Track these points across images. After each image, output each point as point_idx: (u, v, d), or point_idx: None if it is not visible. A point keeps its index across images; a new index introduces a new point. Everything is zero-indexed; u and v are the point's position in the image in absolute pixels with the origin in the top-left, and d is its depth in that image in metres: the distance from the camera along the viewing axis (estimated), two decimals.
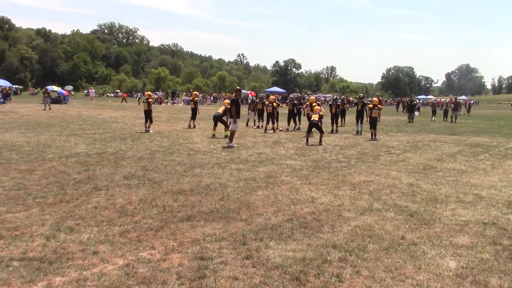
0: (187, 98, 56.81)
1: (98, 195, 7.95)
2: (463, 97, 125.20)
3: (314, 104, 19.96)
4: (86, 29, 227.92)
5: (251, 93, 66.06)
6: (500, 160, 14.15)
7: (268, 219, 6.77)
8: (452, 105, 36.26)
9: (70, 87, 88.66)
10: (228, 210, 7.20)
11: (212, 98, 77.86)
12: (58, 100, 47.37)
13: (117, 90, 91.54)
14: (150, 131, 19.55)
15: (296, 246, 5.62)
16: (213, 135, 18.65)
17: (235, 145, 15.43)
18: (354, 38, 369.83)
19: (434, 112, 37.93)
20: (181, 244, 5.59)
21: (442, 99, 77.01)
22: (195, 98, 24.24)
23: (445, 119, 36.41)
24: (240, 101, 16.65)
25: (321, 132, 17.22)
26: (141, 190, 8.45)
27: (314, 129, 17.55)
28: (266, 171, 10.90)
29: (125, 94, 59.98)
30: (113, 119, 27.50)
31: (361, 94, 27.10)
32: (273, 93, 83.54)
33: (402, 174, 11.05)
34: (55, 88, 53.97)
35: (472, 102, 63.45)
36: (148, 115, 19.91)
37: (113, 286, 4.36)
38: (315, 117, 17.12)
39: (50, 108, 35.70)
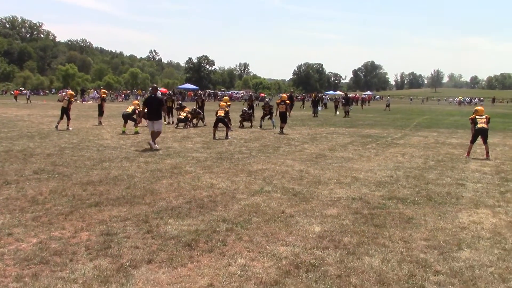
0: (96, 94, 55.81)
1: (9, 188, 8.40)
2: (368, 92, 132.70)
3: (228, 103, 20.85)
4: None
5: (161, 90, 65.62)
6: (384, 148, 15.98)
7: (170, 202, 7.67)
8: (343, 100, 38.31)
9: None
10: (133, 197, 8.00)
11: (123, 95, 76.68)
12: None
13: (22, 88, 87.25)
14: (70, 129, 19.66)
15: (191, 222, 6.58)
16: (123, 132, 19.12)
17: (158, 147, 14.36)
18: (266, 35, 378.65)
19: (336, 107, 40.41)
20: (89, 224, 6.35)
21: (351, 95, 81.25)
22: (103, 95, 24.54)
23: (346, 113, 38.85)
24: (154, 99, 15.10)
25: (227, 126, 18.31)
26: (51, 182, 9.00)
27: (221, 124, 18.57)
28: (172, 163, 11.74)
29: (17, 91, 57.96)
30: (19, 117, 26.85)
31: (267, 100, 29.27)
32: (186, 89, 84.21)
33: (295, 162, 12.34)
34: None
35: (389, 97, 67.39)
36: (65, 112, 19.97)
37: (29, 258, 5.06)
38: (220, 112, 18.16)
39: None
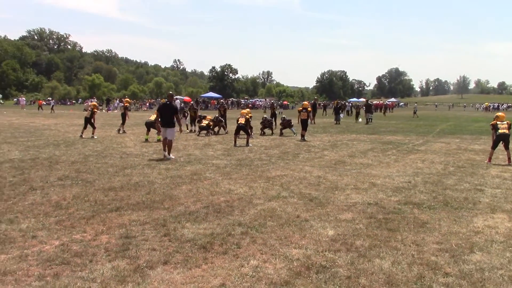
0: (118, 103, 56.53)
1: (34, 194, 8.73)
2: (393, 99, 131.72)
3: (250, 114, 21.03)
4: (14, 35, 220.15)
5: (185, 99, 66.04)
6: (404, 155, 15.95)
7: (188, 207, 7.87)
8: (364, 107, 38.10)
9: None
10: (153, 202, 8.24)
11: (147, 104, 77.81)
12: None
13: (49, 98, 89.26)
14: (95, 137, 20.17)
15: (208, 226, 6.76)
16: (146, 140, 19.50)
17: (172, 157, 14.17)
18: (289, 43, 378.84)
19: (358, 114, 40.28)
20: (110, 228, 6.59)
21: (375, 102, 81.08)
22: (126, 104, 25.13)
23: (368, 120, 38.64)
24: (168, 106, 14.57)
25: (248, 134, 18.51)
26: (75, 188, 9.31)
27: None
28: (192, 169, 11.98)
29: (41, 101, 59.40)
30: (46, 126, 27.57)
31: (284, 116, 29.17)
32: (210, 98, 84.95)
33: (314, 169, 12.44)
34: None
35: (416, 104, 67.33)
36: (88, 122, 20.63)
37: (51, 259, 5.31)
38: (241, 120, 18.38)
39: None
